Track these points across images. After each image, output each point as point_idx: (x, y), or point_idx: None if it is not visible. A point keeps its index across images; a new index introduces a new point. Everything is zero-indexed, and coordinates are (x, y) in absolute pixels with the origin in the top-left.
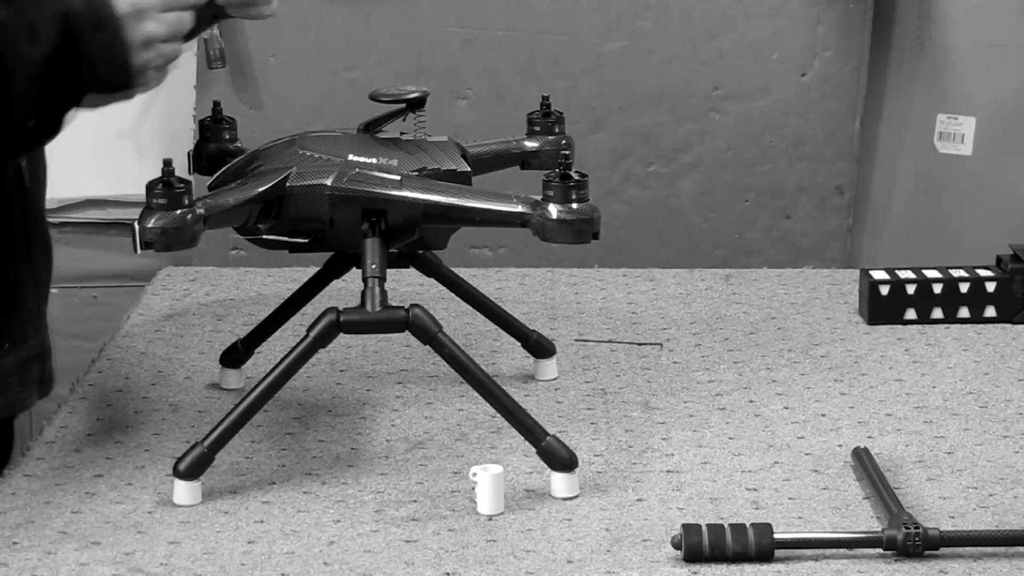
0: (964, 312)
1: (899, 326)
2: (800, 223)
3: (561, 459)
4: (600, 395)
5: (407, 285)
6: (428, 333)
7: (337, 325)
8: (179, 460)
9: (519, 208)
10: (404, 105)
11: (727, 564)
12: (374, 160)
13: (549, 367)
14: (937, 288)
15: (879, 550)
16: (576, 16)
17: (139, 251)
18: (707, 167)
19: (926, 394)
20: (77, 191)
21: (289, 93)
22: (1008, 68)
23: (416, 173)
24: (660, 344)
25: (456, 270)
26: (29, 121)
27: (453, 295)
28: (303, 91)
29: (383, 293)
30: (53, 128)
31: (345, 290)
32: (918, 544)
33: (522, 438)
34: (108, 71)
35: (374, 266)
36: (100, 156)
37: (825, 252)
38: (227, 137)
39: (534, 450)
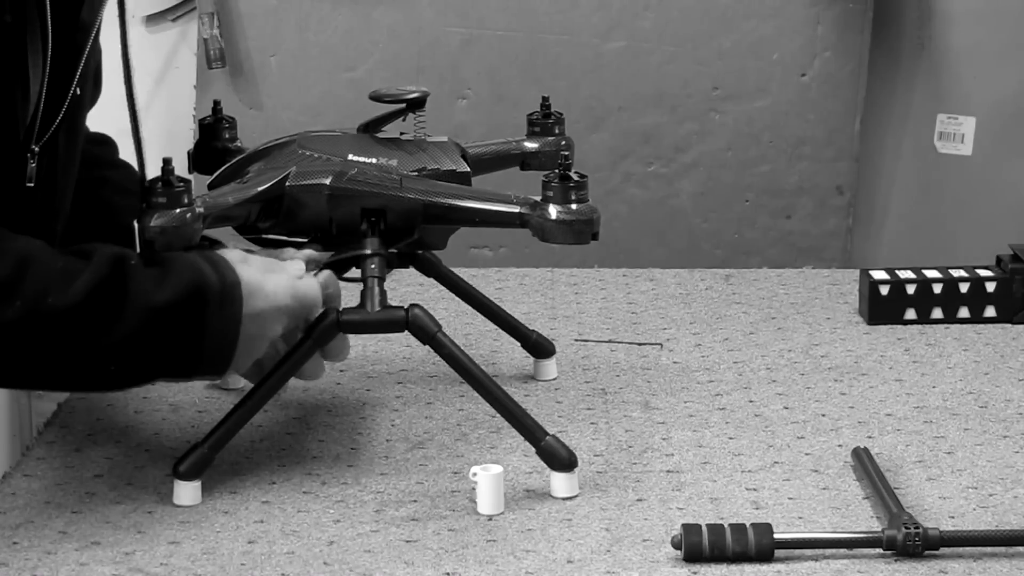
0: (964, 312)
1: (899, 326)
2: (800, 223)
3: (561, 459)
4: (600, 395)
5: (407, 285)
6: (428, 333)
7: (337, 325)
8: (179, 460)
9: (518, 208)
10: (404, 105)
11: (727, 564)
12: (374, 160)
13: (549, 367)
14: (937, 288)
15: (879, 550)
16: (576, 16)
17: (139, 250)
18: (707, 167)
19: (926, 394)
20: None
21: (289, 93)
22: (1008, 68)
23: (416, 173)
24: (660, 344)
25: (456, 270)
26: (112, 364)
27: (453, 295)
28: (303, 91)
29: (383, 293)
30: (125, 383)
31: (345, 290)
32: (918, 544)
33: (522, 438)
34: (214, 346)
35: (374, 266)
36: None
37: (825, 252)
38: (227, 137)
39: (534, 450)
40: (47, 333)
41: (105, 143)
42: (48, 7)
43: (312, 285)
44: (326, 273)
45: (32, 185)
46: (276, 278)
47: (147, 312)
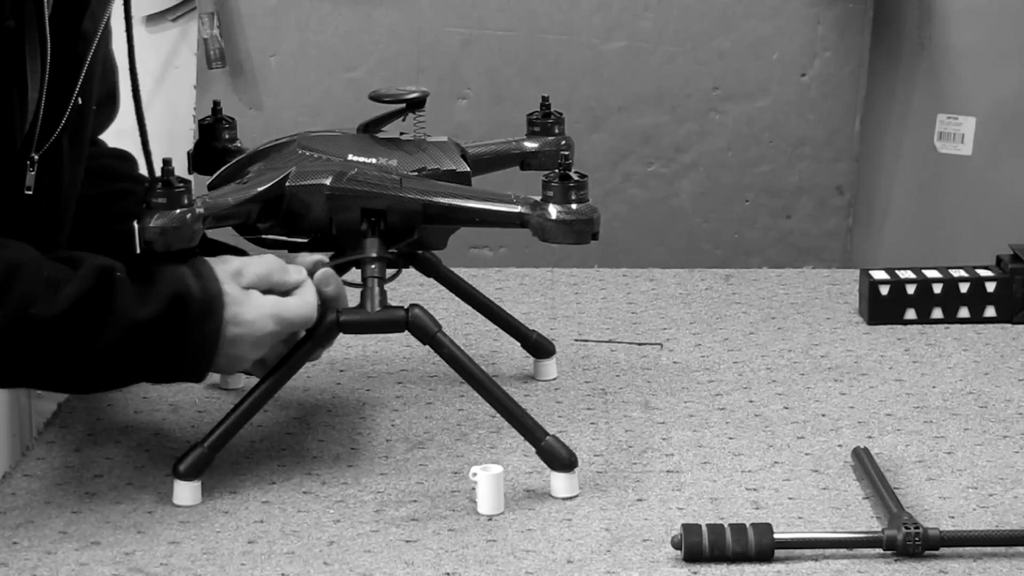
0: (964, 312)
1: (899, 326)
2: (800, 223)
3: (561, 459)
4: (600, 395)
5: (407, 285)
6: (428, 333)
7: (337, 325)
8: (179, 460)
9: (518, 208)
10: (404, 105)
11: (727, 564)
12: (374, 160)
13: (549, 367)
14: (937, 288)
15: (879, 550)
16: (576, 16)
17: (139, 250)
18: (707, 167)
19: (926, 394)
20: None
21: (289, 93)
22: (1008, 68)
23: (416, 173)
24: (660, 344)
25: (456, 270)
26: (92, 371)
27: (453, 295)
28: (303, 91)
29: (383, 293)
30: (104, 387)
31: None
32: (918, 544)
33: (522, 438)
34: (193, 358)
35: (374, 266)
36: None
37: (825, 252)
38: (227, 137)
39: (534, 450)
40: (29, 341)
41: (125, 158)
42: (46, 14)
43: (300, 306)
44: (325, 271)
45: (31, 193)
46: (260, 305)
47: (129, 326)
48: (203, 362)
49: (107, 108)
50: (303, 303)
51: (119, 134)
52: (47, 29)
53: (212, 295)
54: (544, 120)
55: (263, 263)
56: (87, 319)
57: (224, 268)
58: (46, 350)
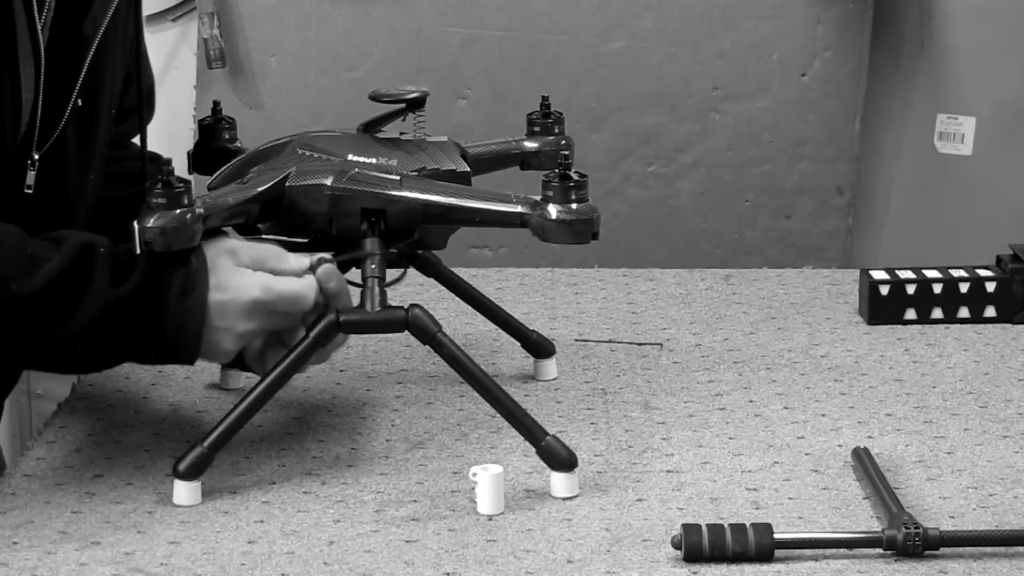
0: (964, 312)
1: (899, 326)
2: (800, 223)
3: (561, 459)
4: (600, 395)
5: (407, 285)
6: (428, 333)
7: (337, 325)
8: (179, 460)
9: (519, 208)
10: (404, 105)
11: (727, 564)
12: (374, 160)
13: (549, 367)
14: (937, 288)
15: (879, 550)
16: (576, 16)
17: (139, 251)
18: (707, 167)
19: (926, 394)
20: None
21: (289, 93)
22: (1008, 68)
23: (416, 173)
24: (660, 344)
25: (456, 270)
26: (76, 348)
27: (453, 295)
28: (303, 91)
29: (383, 293)
30: (91, 367)
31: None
32: (918, 544)
33: (522, 438)
34: (176, 334)
35: (374, 266)
36: None
37: (825, 252)
38: (227, 137)
39: (534, 450)
40: (11, 318)
41: (154, 161)
42: (36, 17)
43: (293, 284)
44: (327, 267)
45: (31, 192)
46: (247, 274)
47: (106, 302)
48: (188, 339)
49: (145, 112)
50: (299, 281)
51: None
52: (39, 32)
53: (195, 270)
54: (544, 120)
55: (260, 248)
56: (64, 296)
57: (217, 245)
58: (24, 328)
